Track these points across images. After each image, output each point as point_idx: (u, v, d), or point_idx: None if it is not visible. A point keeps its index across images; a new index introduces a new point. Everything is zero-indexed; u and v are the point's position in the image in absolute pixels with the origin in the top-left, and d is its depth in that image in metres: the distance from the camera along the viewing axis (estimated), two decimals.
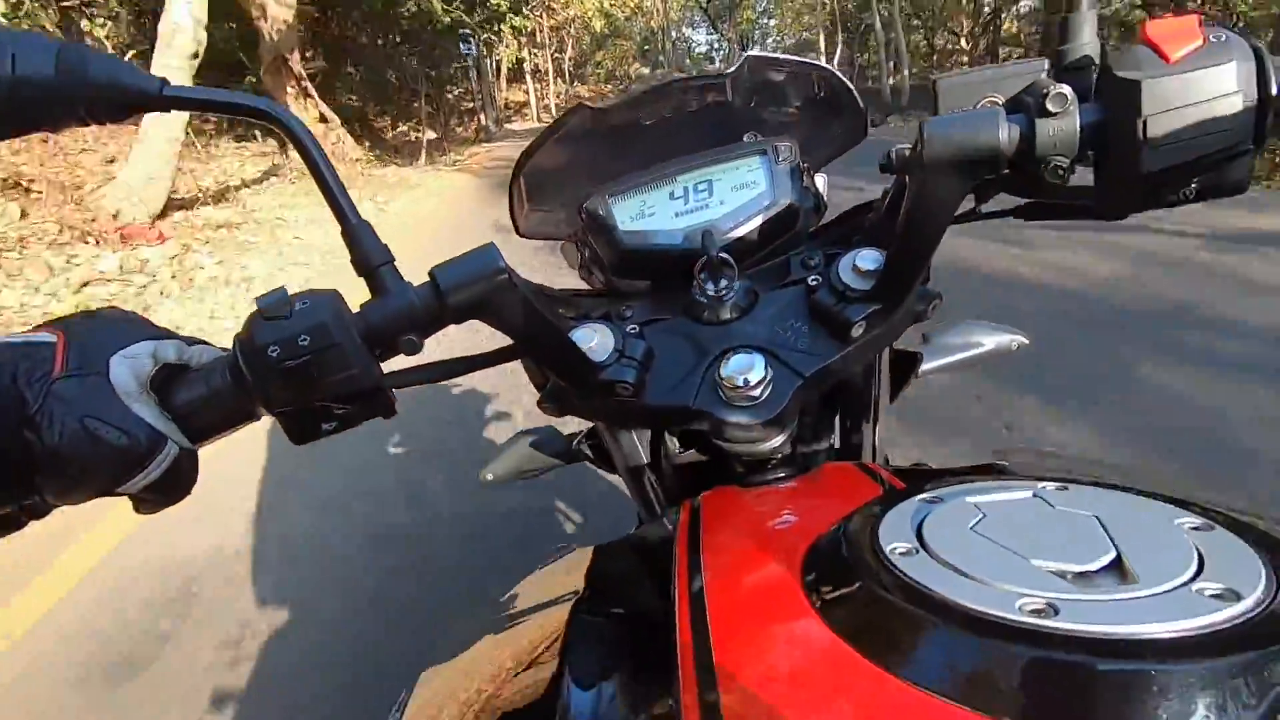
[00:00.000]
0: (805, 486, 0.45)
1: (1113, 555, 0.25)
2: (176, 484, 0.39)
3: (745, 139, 0.58)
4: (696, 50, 46.16)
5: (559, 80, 33.49)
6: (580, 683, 0.31)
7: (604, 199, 0.58)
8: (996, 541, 0.27)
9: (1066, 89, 0.37)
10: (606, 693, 0.30)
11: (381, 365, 0.42)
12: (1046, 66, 0.42)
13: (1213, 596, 0.22)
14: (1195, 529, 0.26)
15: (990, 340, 0.70)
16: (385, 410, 0.43)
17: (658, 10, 34.69)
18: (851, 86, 0.56)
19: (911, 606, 0.25)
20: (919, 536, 0.28)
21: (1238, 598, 0.22)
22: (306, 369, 0.38)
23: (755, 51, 0.55)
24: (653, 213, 0.57)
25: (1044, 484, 0.31)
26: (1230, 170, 0.36)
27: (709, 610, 0.31)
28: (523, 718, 0.32)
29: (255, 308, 0.39)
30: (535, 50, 27.94)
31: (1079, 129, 0.37)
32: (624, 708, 0.30)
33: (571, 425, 0.70)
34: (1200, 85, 0.35)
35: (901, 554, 0.28)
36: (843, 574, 0.28)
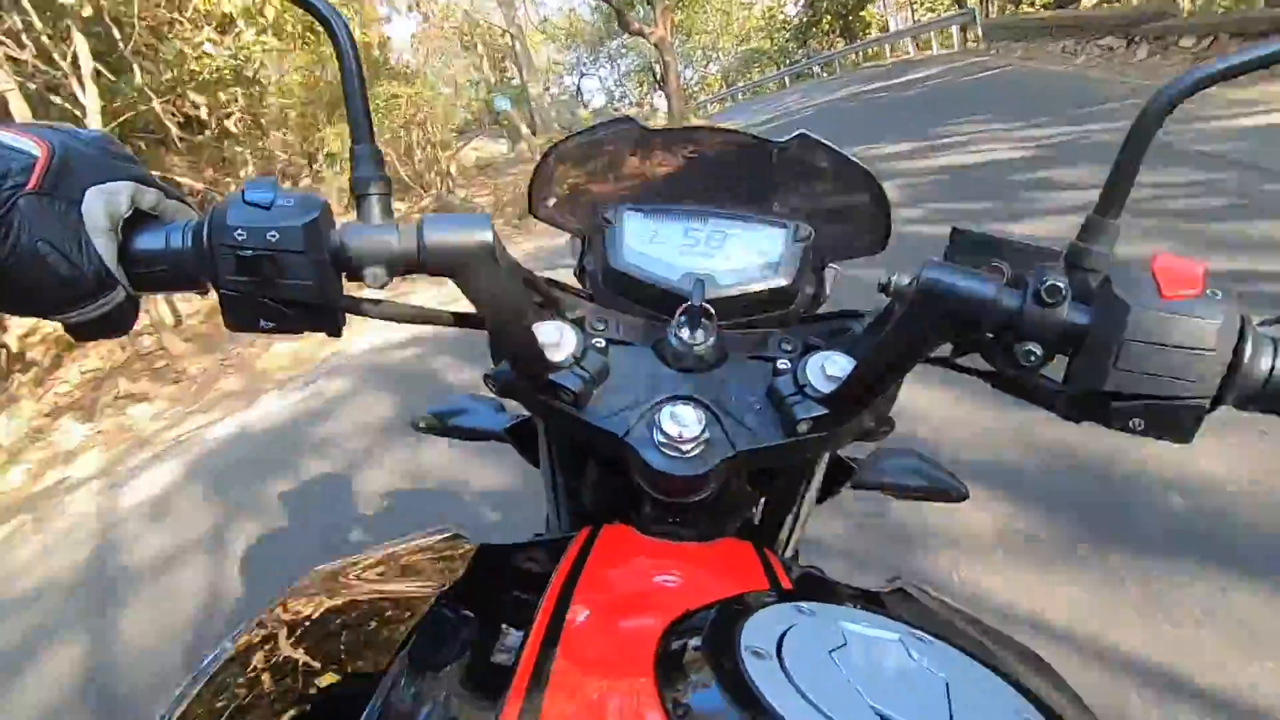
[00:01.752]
0: (699, 554, 0.45)
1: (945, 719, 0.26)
2: (115, 324, 0.39)
3: (772, 207, 0.59)
4: (591, 103, 35.01)
5: None
6: (415, 674, 0.31)
7: (621, 211, 0.58)
8: (847, 675, 0.27)
9: (1063, 283, 0.39)
10: (432, 694, 0.30)
11: (343, 285, 0.42)
12: (1061, 256, 0.44)
13: None
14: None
15: (934, 483, 0.71)
16: (332, 329, 0.43)
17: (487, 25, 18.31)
18: (887, 199, 0.57)
19: (745, 712, 0.25)
20: (779, 644, 0.29)
21: None
22: (262, 263, 0.37)
23: (809, 132, 0.56)
24: (662, 242, 0.57)
25: (915, 631, 0.32)
26: (1181, 420, 0.38)
27: (559, 649, 0.31)
28: (349, 683, 0.32)
29: (241, 186, 0.38)
30: None
31: (1063, 326, 0.39)
32: (445, 709, 0.30)
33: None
34: (1181, 331, 0.36)
35: (753, 654, 0.28)
36: (692, 658, 0.29)
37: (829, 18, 27.95)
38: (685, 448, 0.46)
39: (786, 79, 27.50)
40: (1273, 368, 0.37)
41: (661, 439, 0.47)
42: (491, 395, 0.79)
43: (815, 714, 0.25)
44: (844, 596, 0.41)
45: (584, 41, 36.46)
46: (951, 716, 0.26)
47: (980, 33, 15.16)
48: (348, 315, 0.43)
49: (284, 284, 0.38)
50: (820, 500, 0.66)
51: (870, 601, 0.41)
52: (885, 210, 0.57)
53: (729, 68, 38.80)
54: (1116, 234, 0.41)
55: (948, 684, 0.28)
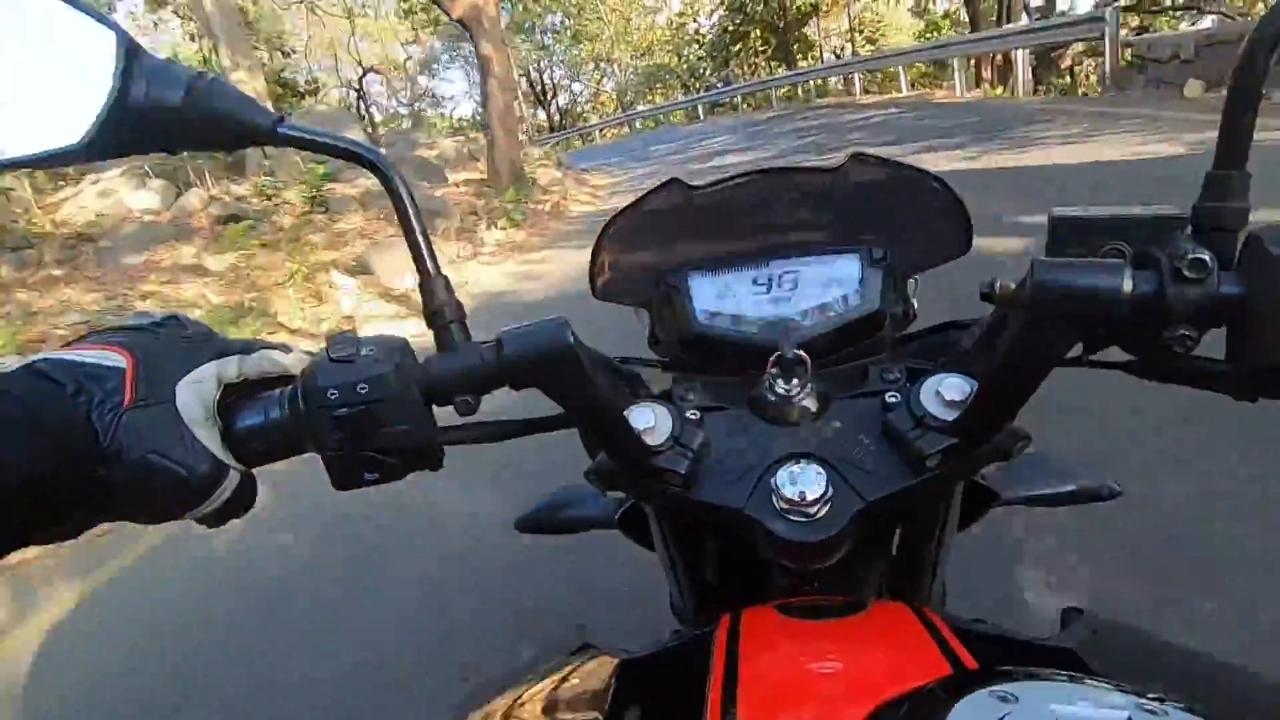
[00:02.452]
0: (854, 629, 0.41)
1: None
2: (239, 505, 0.40)
3: (840, 235, 0.56)
4: (451, 108, 28.93)
5: None
6: None
7: (684, 274, 0.56)
8: None
9: (1208, 255, 0.34)
10: None
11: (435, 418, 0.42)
12: (1186, 220, 0.39)
13: None
14: None
15: (1076, 483, 0.65)
16: (433, 464, 0.43)
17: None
18: (958, 197, 0.54)
19: None
20: None
21: None
22: (361, 418, 0.38)
23: (862, 150, 0.54)
24: (734, 296, 0.55)
25: (1140, 702, 0.27)
26: None
27: None
28: None
29: (324, 345, 0.39)
30: None
31: (1216, 300, 0.34)
32: None
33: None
34: None
35: None
36: None
37: (759, 30, 20.84)
38: (811, 510, 0.43)
39: (700, 109, 21.51)
40: None
41: (784, 505, 0.44)
42: (580, 486, 0.78)
43: None
44: (1030, 655, 0.36)
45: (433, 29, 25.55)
46: None
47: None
48: (446, 447, 0.43)
49: (383, 433, 0.38)
50: (960, 530, 0.61)
51: (1062, 656, 0.36)
52: (961, 210, 0.54)
53: (626, 85, 32.10)
54: (1248, 186, 0.36)
55: None
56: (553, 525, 0.76)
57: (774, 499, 0.44)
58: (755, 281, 0.55)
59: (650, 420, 0.47)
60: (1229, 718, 0.27)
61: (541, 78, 31.22)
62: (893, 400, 0.47)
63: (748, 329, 0.53)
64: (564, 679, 0.44)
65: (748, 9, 22.13)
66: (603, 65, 32.92)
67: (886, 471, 0.45)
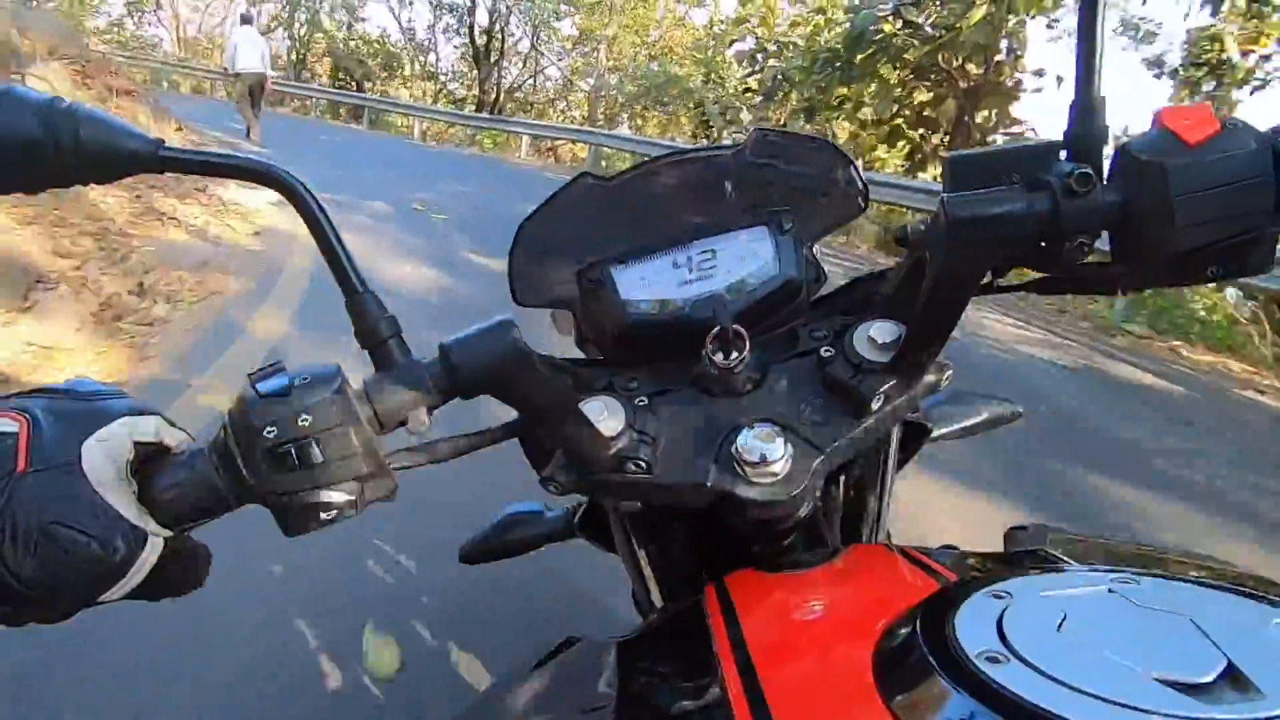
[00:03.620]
0: (837, 573, 0.43)
1: (1223, 663, 0.23)
2: (179, 577, 0.36)
3: (747, 210, 0.58)
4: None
5: None
6: None
7: (605, 267, 0.56)
8: (1094, 647, 0.25)
9: (1089, 169, 0.38)
10: None
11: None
12: (1061, 145, 0.43)
13: None
14: None
15: (988, 410, 0.70)
16: (387, 494, 0.40)
17: None
18: (852, 160, 0.57)
19: None
20: (1003, 639, 0.26)
21: None
22: (307, 452, 0.35)
23: (762, 128, 0.56)
24: (656, 283, 0.56)
25: (1114, 576, 0.30)
26: (1256, 248, 0.37)
27: (770, 706, 0.28)
28: None
29: (247, 382, 0.35)
30: None
31: (1103, 208, 0.38)
32: None
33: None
34: (1224, 168, 0.36)
35: (989, 660, 0.25)
36: (928, 684, 0.26)
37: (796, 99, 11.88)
38: (775, 469, 0.44)
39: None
40: None
41: (749, 470, 0.44)
42: (527, 502, 0.76)
43: (1102, 706, 0.22)
44: (1012, 564, 0.38)
45: None
46: (1223, 651, 0.24)
47: None
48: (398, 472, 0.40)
49: (333, 466, 0.35)
50: (898, 469, 0.64)
51: (1032, 558, 0.39)
52: (856, 172, 0.57)
53: (608, 91, 20.30)
54: (1103, 107, 0.41)
55: (1192, 619, 0.25)
56: (503, 549, 0.73)
57: (737, 466, 0.45)
58: (675, 265, 0.56)
59: (602, 412, 0.47)
60: (1185, 578, 0.30)
61: (502, 31, 22.47)
62: (828, 354, 0.50)
63: (679, 311, 0.54)
64: (562, 671, 0.43)
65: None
66: (592, 52, 21.95)
67: (836, 420, 0.47)
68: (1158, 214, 0.36)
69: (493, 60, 21.74)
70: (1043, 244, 0.40)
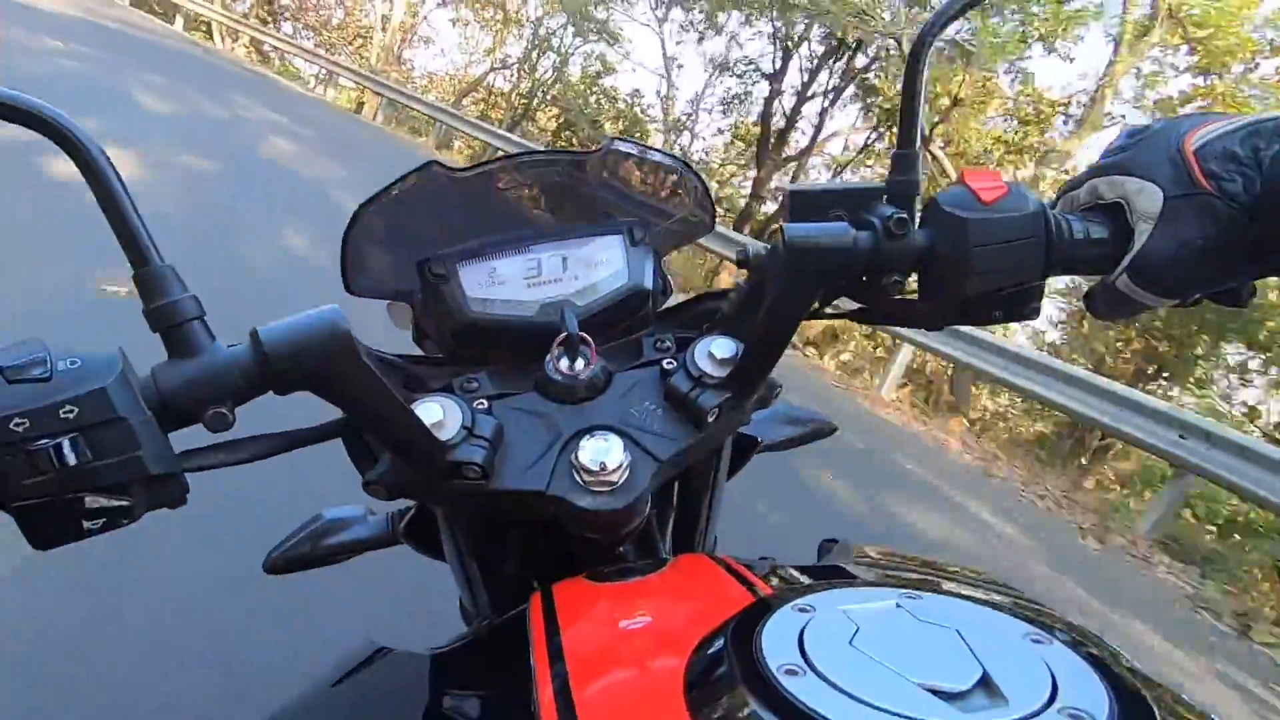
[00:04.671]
0: (662, 583, 0.44)
1: (979, 673, 0.26)
2: None
3: (601, 218, 0.58)
4: None
5: None
6: None
7: (450, 262, 0.54)
8: (877, 659, 0.27)
9: (905, 215, 0.42)
10: None
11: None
12: (884, 190, 0.48)
13: (1072, 718, 0.24)
14: (1037, 642, 0.28)
15: (808, 424, 0.75)
16: (174, 499, 0.35)
17: None
18: (704, 180, 0.59)
19: None
20: (802, 652, 0.28)
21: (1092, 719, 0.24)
22: (71, 450, 0.30)
23: (618, 138, 0.56)
24: (504, 281, 0.54)
25: (902, 592, 0.33)
26: (1030, 299, 0.43)
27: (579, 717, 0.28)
28: None
29: None
30: None
31: (915, 251, 0.42)
32: None
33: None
34: (1010, 226, 0.41)
35: (788, 673, 0.27)
36: (731, 697, 0.27)
37: None
38: (613, 478, 0.44)
39: None
40: (1072, 234, 0.43)
41: (586, 478, 0.44)
42: (344, 506, 0.71)
43: (873, 713, 0.24)
44: (818, 578, 0.41)
45: None
46: (980, 662, 0.27)
47: None
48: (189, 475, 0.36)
49: (105, 466, 0.30)
50: (729, 478, 0.67)
51: (836, 573, 0.42)
52: (706, 192, 0.59)
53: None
54: (919, 160, 0.45)
55: (959, 632, 0.29)
56: (313, 558, 0.67)
57: (575, 474, 0.45)
58: (524, 266, 0.55)
59: (439, 414, 0.45)
60: (956, 593, 0.34)
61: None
62: (670, 366, 0.51)
63: (525, 313, 0.53)
64: (367, 684, 0.40)
65: None
66: None
67: (673, 431, 0.48)
68: (958, 260, 0.41)
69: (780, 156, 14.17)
70: (864, 278, 0.44)
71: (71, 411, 0.30)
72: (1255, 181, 0.39)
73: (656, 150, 0.57)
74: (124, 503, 0.32)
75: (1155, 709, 0.25)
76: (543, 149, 0.62)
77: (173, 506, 0.35)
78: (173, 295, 0.34)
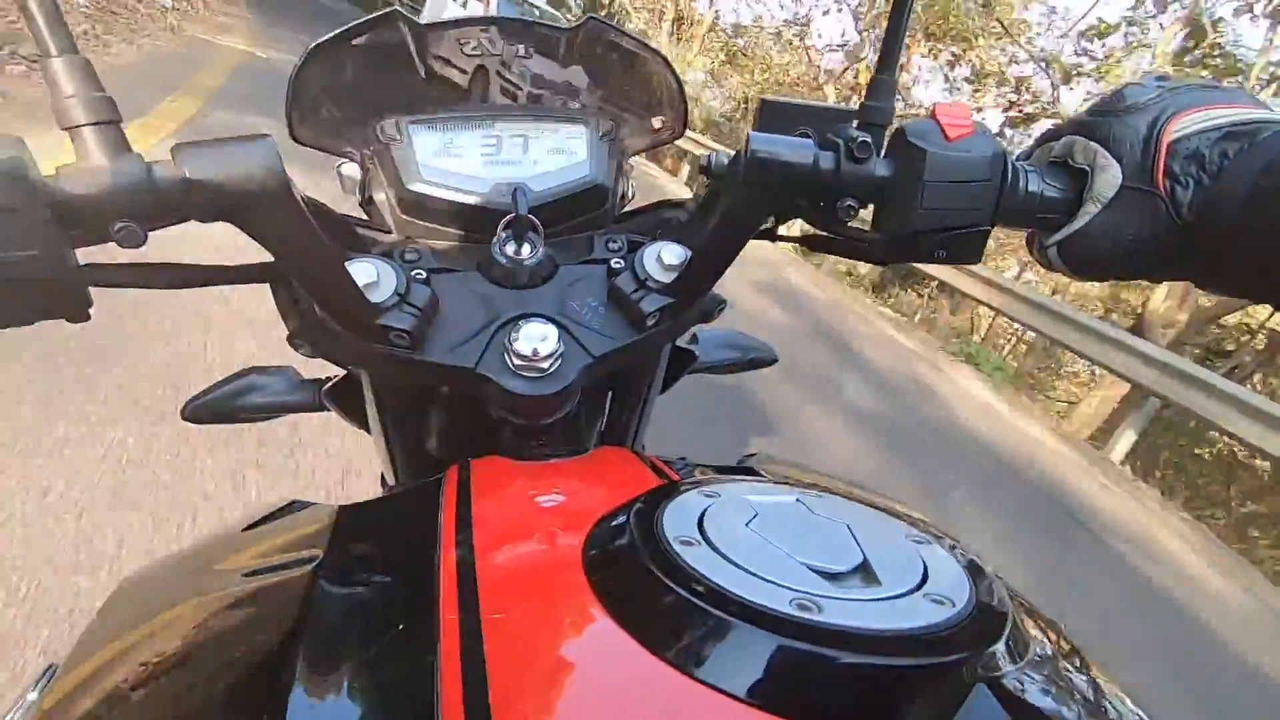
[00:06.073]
0: (579, 467, 0.44)
1: (860, 560, 0.28)
2: None
3: (570, 104, 0.56)
4: None
5: None
6: (318, 655, 0.27)
7: (405, 124, 0.51)
8: (768, 540, 0.29)
9: (870, 140, 0.42)
10: (348, 670, 0.27)
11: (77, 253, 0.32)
12: (854, 114, 0.47)
13: (935, 602, 0.26)
14: (917, 542, 0.31)
15: (750, 351, 0.77)
16: (75, 311, 0.33)
17: None
18: (681, 81, 0.57)
19: (693, 598, 0.25)
20: (700, 529, 0.29)
21: (953, 604, 0.26)
22: None
23: (595, 16, 0.53)
24: (459, 154, 0.52)
25: (804, 490, 0.34)
26: (972, 242, 0.44)
27: (479, 584, 0.29)
28: (244, 692, 0.27)
29: None
30: None
31: (873, 178, 0.42)
32: (369, 686, 0.26)
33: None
34: (966, 166, 0.41)
35: (683, 543, 0.28)
36: (625, 561, 0.28)
37: None
38: (544, 365, 0.44)
39: None
40: (1027, 188, 0.44)
41: (518, 361, 0.44)
42: (271, 365, 0.69)
43: (758, 581, 0.26)
44: (730, 474, 0.43)
45: None
46: (863, 551, 0.28)
47: None
48: (93, 289, 0.34)
49: None
50: (663, 390, 0.68)
51: (748, 473, 0.44)
52: (681, 94, 0.57)
53: None
54: (894, 89, 0.45)
55: (848, 526, 0.30)
56: (234, 413, 0.66)
57: (506, 356, 0.45)
58: (483, 140, 0.53)
59: (373, 275, 0.43)
60: (857, 500, 0.36)
61: None
62: (617, 265, 0.50)
63: (477, 190, 0.51)
64: (276, 532, 0.40)
65: None
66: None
67: (611, 330, 0.48)
68: (909, 192, 0.41)
69: None
70: (821, 202, 0.44)
71: None
72: (1205, 190, 0.38)
73: (634, 38, 0.54)
74: (14, 304, 0.31)
75: (1009, 604, 0.28)
76: (519, 17, 0.59)
77: (72, 320, 0.34)
78: (84, 91, 0.31)
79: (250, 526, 0.42)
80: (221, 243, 2.34)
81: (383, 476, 0.67)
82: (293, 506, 0.43)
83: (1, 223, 0.28)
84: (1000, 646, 0.25)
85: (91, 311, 0.34)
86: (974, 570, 0.29)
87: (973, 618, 0.25)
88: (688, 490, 0.33)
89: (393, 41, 0.50)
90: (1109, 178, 0.41)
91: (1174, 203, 0.40)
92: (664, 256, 0.48)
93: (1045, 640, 0.30)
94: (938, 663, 0.23)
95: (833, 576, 0.27)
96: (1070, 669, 0.30)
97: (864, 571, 0.28)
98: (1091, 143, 0.43)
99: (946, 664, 0.23)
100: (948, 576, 0.28)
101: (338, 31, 0.49)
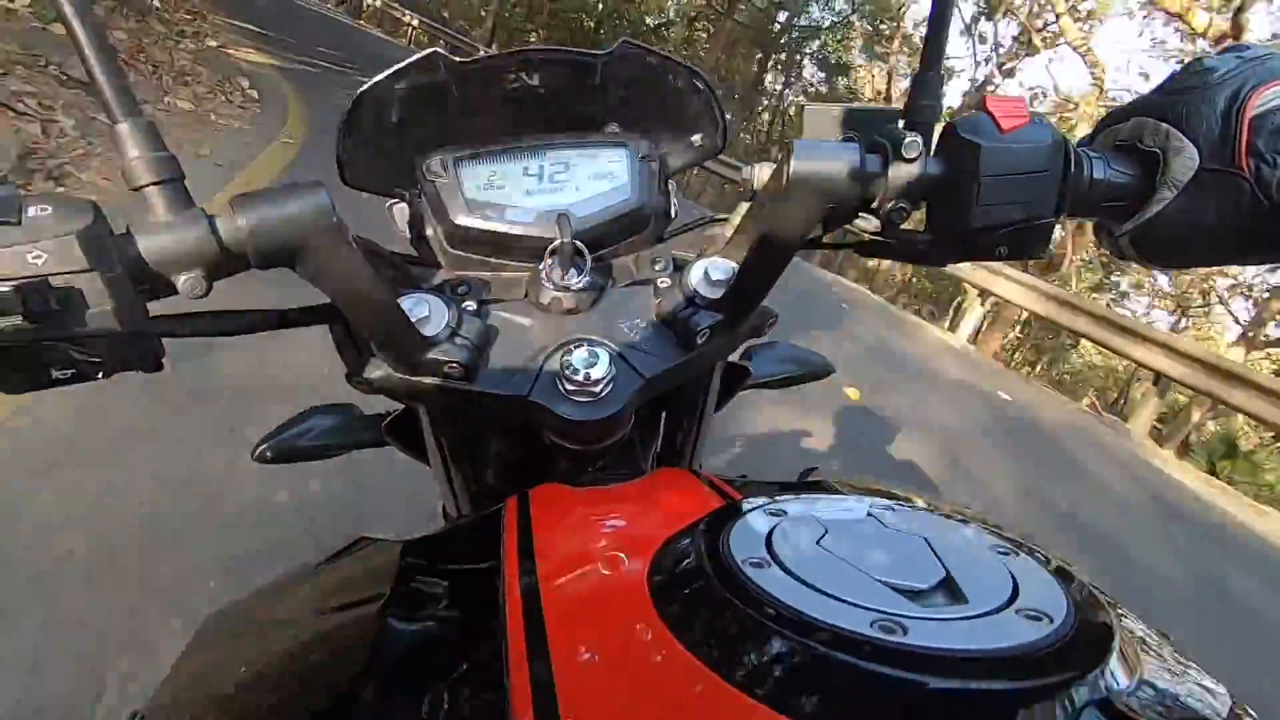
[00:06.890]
0: (638, 491, 0.44)
1: (942, 575, 0.26)
2: None
3: (611, 128, 0.56)
4: None
5: None
6: (389, 695, 0.27)
7: (450, 161, 0.52)
8: (842, 557, 0.27)
9: (919, 140, 0.40)
10: (420, 707, 0.26)
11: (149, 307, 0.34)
12: (899, 114, 0.46)
13: (1029, 618, 0.24)
14: (1002, 553, 0.29)
15: (806, 365, 0.75)
16: (148, 363, 0.35)
17: None
18: (719, 97, 0.57)
19: (768, 622, 0.24)
20: (769, 549, 0.28)
21: (1050, 620, 0.24)
22: (33, 296, 0.29)
23: (629, 39, 0.53)
24: (502, 185, 0.53)
25: (873, 502, 0.33)
26: (1039, 236, 0.41)
27: (545, 615, 0.29)
28: None
29: None
30: None
31: (926, 178, 0.41)
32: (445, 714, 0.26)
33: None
34: (1026, 158, 0.39)
35: (752, 565, 0.27)
36: (694, 586, 0.27)
37: None
38: (596, 389, 0.44)
39: None
40: (1092, 176, 0.42)
41: (570, 387, 0.44)
42: (336, 403, 0.71)
43: (835, 603, 0.25)
44: (794, 490, 0.41)
45: None
46: (944, 566, 0.27)
47: None
48: (165, 340, 0.35)
49: (70, 319, 0.30)
50: (718, 408, 0.67)
51: (814, 488, 0.42)
52: (718, 107, 0.57)
53: None
54: (940, 85, 0.43)
55: (926, 539, 0.29)
56: (301, 452, 0.68)
57: (559, 383, 0.45)
58: (526, 171, 0.53)
59: (425, 310, 0.44)
60: (932, 510, 0.34)
61: None
62: (664, 284, 0.50)
63: (523, 219, 0.51)
64: (346, 569, 0.41)
65: None
66: None
67: (662, 350, 0.47)
68: (965, 190, 0.40)
69: None
70: (872, 205, 0.43)
71: (40, 258, 0.29)
72: None
73: (667, 56, 0.54)
74: (93, 358, 0.32)
75: (1111, 617, 0.25)
76: (552, 46, 0.60)
77: (145, 370, 0.35)
78: (150, 151, 0.33)
79: (322, 563, 0.43)
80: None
81: (444, 508, 0.68)
82: (360, 543, 0.43)
83: (81, 283, 0.30)
84: (1109, 664, 0.23)
85: (165, 362, 0.36)
86: (1067, 580, 0.27)
87: (1074, 634, 0.23)
88: (752, 509, 0.32)
89: (433, 81, 0.52)
90: (1184, 160, 0.39)
91: (1260, 183, 0.37)
92: (711, 272, 0.48)
93: (1155, 654, 0.28)
94: (1040, 685, 0.21)
95: (914, 594, 0.25)
96: (1188, 686, 0.27)
97: (948, 587, 0.26)
98: (1162, 124, 0.40)
99: (1050, 686, 0.21)
100: (1040, 589, 0.26)
101: (380, 77, 0.50)
